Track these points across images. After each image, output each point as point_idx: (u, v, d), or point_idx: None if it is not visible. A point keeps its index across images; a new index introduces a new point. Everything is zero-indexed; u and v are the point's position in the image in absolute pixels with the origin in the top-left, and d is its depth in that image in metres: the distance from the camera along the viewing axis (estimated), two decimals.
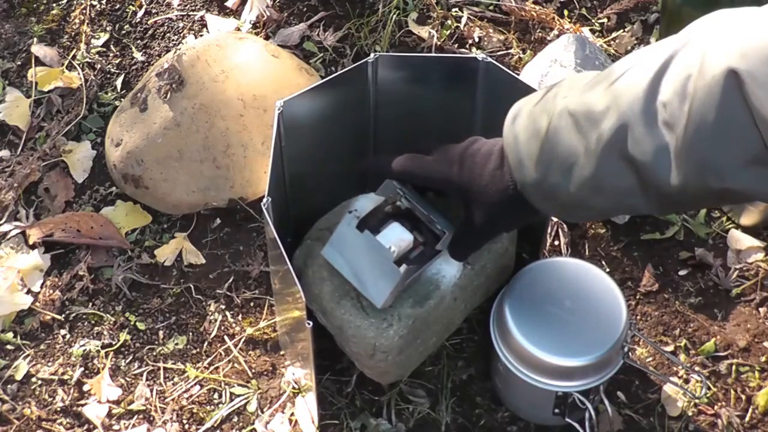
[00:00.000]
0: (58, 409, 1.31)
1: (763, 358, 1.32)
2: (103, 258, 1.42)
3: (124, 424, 1.29)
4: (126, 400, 1.31)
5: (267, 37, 1.60)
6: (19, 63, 1.62)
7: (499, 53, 1.58)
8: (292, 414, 1.28)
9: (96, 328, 1.37)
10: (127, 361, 1.34)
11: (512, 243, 1.23)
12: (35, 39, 1.64)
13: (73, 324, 1.37)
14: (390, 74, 1.20)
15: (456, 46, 1.60)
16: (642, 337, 1.26)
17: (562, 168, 0.92)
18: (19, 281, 1.40)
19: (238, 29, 1.61)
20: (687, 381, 1.30)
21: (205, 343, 1.35)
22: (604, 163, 0.88)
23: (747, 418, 1.28)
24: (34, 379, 1.33)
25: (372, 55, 1.18)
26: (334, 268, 1.13)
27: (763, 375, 1.30)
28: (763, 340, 1.33)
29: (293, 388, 1.30)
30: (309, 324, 1.07)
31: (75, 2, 1.68)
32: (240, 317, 1.37)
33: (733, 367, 1.31)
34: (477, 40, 1.60)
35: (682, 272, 1.38)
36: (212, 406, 1.30)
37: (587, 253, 1.40)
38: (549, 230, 1.38)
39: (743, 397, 1.29)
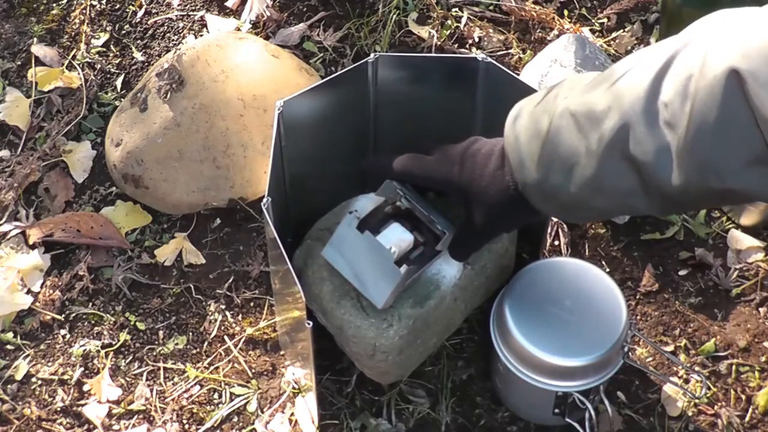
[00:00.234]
0: (58, 409, 1.31)
1: (763, 358, 1.32)
2: (103, 258, 1.42)
3: (124, 424, 1.29)
4: (126, 400, 1.31)
5: (267, 37, 1.60)
6: (19, 63, 1.62)
7: (499, 53, 1.58)
8: (292, 414, 1.28)
9: (96, 328, 1.37)
10: (127, 361, 1.34)
11: (512, 243, 1.23)
12: (35, 39, 1.64)
13: (73, 324, 1.37)
14: (390, 74, 1.20)
15: (456, 46, 1.60)
16: (642, 337, 1.26)
17: (563, 168, 0.92)
18: (19, 281, 1.40)
19: (238, 29, 1.61)
20: (687, 381, 1.30)
21: (205, 343, 1.35)
22: (605, 164, 0.88)
23: (747, 418, 1.28)
24: (34, 379, 1.33)
25: (372, 55, 1.18)
26: (334, 268, 1.13)
27: (763, 375, 1.30)
28: (763, 340, 1.33)
29: (293, 388, 1.30)
30: (309, 324, 1.07)
31: (75, 2, 1.68)
32: (240, 317, 1.37)
33: (733, 367, 1.31)
34: (477, 40, 1.60)
35: (682, 272, 1.38)
36: (212, 406, 1.30)
37: (587, 253, 1.40)
38: (549, 230, 1.38)
39: (743, 397, 1.29)
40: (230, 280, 1.39)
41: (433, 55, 1.55)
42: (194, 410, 1.30)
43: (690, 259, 1.39)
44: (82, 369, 1.33)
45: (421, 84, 1.22)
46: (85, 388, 1.32)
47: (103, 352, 1.34)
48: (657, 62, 0.84)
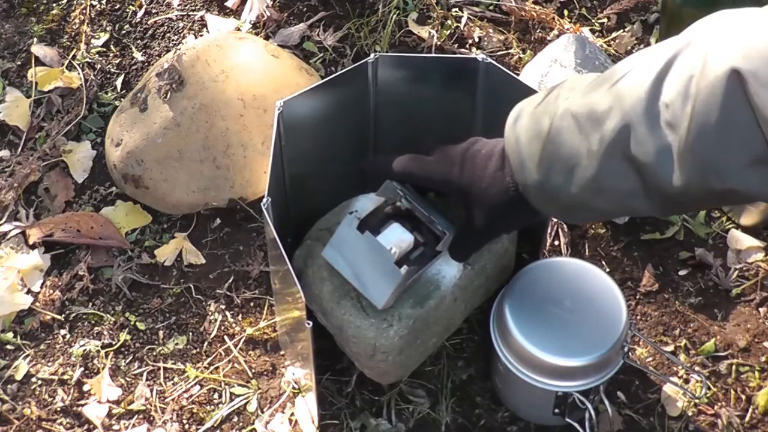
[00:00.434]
0: (58, 409, 1.31)
1: (763, 358, 1.32)
2: (103, 258, 1.42)
3: (124, 424, 1.29)
4: (126, 400, 1.31)
5: (267, 37, 1.60)
6: (19, 63, 1.62)
7: (499, 53, 1.58)
8: (292, 414, 1.28)
9: (96, 328, 1.37)
10: (127, 361, 1.34)
11: (512, 243, 1.23)
12: (35, 39, 1.64)
13: (73, 324, 1.37)
14: (390, 74, 1.20)
15: (456, 46, 1.60)
16: (642, 337, 1.26)
17: (564, 169, 0.92)
18: (19, 281, 1.40)
19: (238, 29, 1.61)
20: (687, 381, 1.30)
21: (205, 343, 1.35)
22: (606, 164, 0.88)
23: (747, 418, 1.28)
24: (34, 379, 1.33)
25: (372, 55, 1.18)
26: (335, 269, 1.13)
27: (763, 375, 1.30)
28: (763, 340, 1.33)
29: (293, 388, 1.30)
30: (309, 324, 1.07)
31: (75, 2, 1.68)
32: (240, 317, 1.37)
33: (733, 367, 1.31)
34: (477, 40, 1.60)
35: (682, 272, 1.38)
36: (212, 406, 1.30)
37: (587, 253, 1.40)
38: (549, 230, 1.38)
39: (743, 397, 1.29)
40: (230, 280, 1.39)
41: (433, 55, 1.55)
42: (194, 410, 1.30)
43: (690, 259, 1.39)
44: (82, 369, 1.33)
45: (421, 84, 1.22)
46: (85, 388, 1.32)
47: (103, 352, 1.34)
48: (658, 63, 0.84)
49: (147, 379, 1.32)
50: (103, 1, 1.67)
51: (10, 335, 1.36)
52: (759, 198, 0.82)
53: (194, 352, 1.34)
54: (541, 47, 1.55)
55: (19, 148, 1.53)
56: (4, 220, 1.46)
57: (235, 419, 1.29)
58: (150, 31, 1.64)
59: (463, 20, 1.62)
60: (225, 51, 1.47)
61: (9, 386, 1.32)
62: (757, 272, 1.38)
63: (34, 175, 1.49)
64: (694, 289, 1.37)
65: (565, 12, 1.63)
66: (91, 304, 1.39)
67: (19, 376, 1.33)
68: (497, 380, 1.26)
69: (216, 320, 1.36)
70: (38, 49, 1.61)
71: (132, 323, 1.37)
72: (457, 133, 1.12)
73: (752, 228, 1.41)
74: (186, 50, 1.46)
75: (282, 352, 1.34)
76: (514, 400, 1.26)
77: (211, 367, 1.33)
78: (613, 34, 1.61)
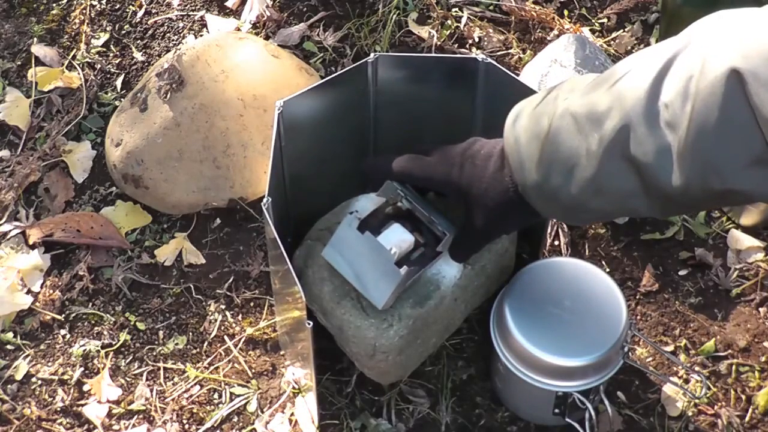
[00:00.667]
0: (58, 409, 1.31)
1: (763, 358, 1.32)
2: (103, 258, 1.42)
3: (124, 424, 1.29)
4: (126, 400, 1.31)
5: (267, 37, 1.60)
6: (19, 63, 1.62)
7: (499, 53, 1.58)
8: (292, 414, 1.28)
9: (96, 328, 1.37)
10: (127, 361, 1.34)
11: (512, 243, 1.23)
12: (35, 39, 1.64)
13: (73, 324, 1.37)
14: (390, 74, 1.20)
15: (456, 46, 1.60)
16: (642, 337, 1.26)
17: (564, 170, 0.92)
18: (19, 281, 1.40)
19: (238, 29, 1.61)
20: (687, 381, 1.30)
21: (205, 343, 1.35)
22: (605, 165, 0.88)
23: (747, 418, 1.28)
24: (34, 379, 1.33)
25: (372, 55, 1.18)
26: (335, 269, 1.13)
27: (763, 375, 1.30)
28: (763, 340, 1.33)
29: (293, 388, 1.30)
30: (309, 324, 1.07)
31: (75, 2, 1.68)
32: (240, 317, 1.37)
33: (733, 367, 1.31)
34: (477, 40, 1.60)
35: (682, 272, 1.38)
36: (212, 406, 1.30)
37: (587, 253, 1.40)
38: (549, 230, 1.38)
39: (743, 397, 1.29)
40: (230, 280, 1.39)
41: (433, 55, 1.55)
42: (194, 410, 1.30)
43: (690, 259, 1.39)
44: (82, 369, 1.33)
45: (421, 84, 1.22)
46: (85, 388, 1.32)
47: (103, 352, 1.34)
48: (657, 63, 0.84)
49: (147, 379, 1.32)
50: (103, 1, 1.67)
51: (10, 335, 1.36)
52: (759, 198, 0.82)
53: (194, 352, 1.34)
54: (541, 47, 1.55)
55: (19, 148, 1.53)
56: (4, 220, 1.46)
57: (235, 419, 1.29)
58: (150, 31, 1.64)
59: (463, 20, 1.62)
60: (225, 51, 1.47)
61: (9, 386, 1.32)
62: (757, 272, 1.38)
63: (34, 175, 1.49)
64: (694, 289, 1.37)
65: (565, 12, 1.63)
66: (91, 304, 1.39)
67: (19, 376, 1.33)
68: (497, 380, 1.26)
69: (216, 320, 1.36)
70: (38, 49, 1.61)
71: (132, 323, 1.37)
72: (457, 133, 1.12)
73: (752, 228, 1.41)
74: (186, 50, 1.46)
75: (282, 352, 1.34)
76: (514, 400, 1.26)
77: (211, 367, 1.33)
78: (613, 34, 1.61)
